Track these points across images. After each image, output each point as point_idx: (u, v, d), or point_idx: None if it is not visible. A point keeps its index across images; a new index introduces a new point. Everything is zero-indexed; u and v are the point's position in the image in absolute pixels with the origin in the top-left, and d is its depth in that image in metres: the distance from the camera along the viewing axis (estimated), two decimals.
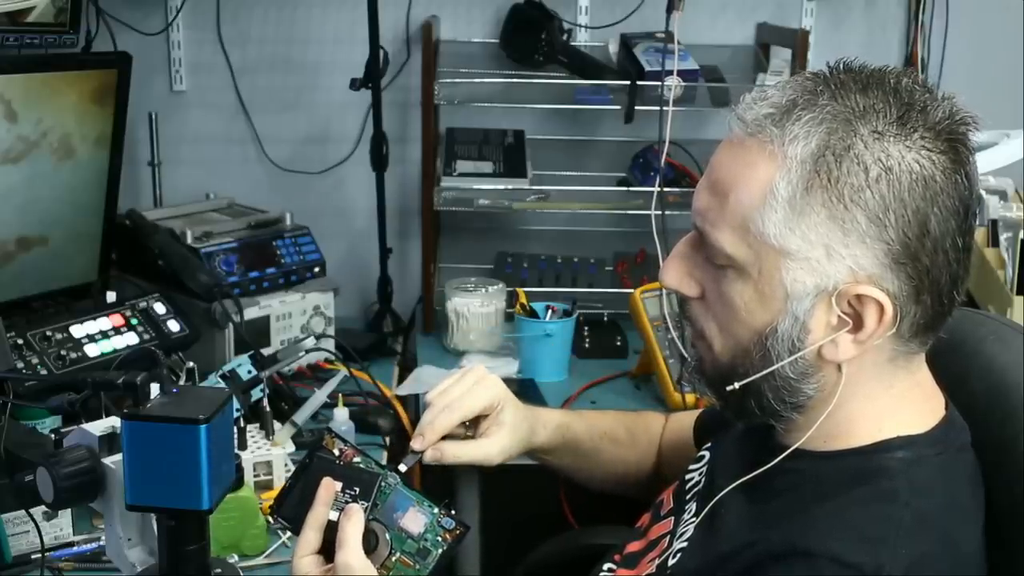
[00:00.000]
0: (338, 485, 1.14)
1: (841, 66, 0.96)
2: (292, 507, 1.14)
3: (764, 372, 0.98)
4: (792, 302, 0.95)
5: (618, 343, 2.33)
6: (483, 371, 1.32)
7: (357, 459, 1.18)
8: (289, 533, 1.56)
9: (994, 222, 2.14)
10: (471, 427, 1.31)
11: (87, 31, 2.23)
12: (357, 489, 1.14)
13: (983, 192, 2.23)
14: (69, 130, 1.96)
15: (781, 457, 1.02)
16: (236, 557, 1.49)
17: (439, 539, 1.14)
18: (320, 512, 1.11)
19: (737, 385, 1.00)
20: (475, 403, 1.28)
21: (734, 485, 1.05)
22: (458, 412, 1.26)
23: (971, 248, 0.97)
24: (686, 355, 1.99)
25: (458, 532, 1.14)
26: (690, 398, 1.97)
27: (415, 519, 1.14)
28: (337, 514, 1.11)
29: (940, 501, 0.97)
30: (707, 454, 1.21)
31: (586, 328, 2.34)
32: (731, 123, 0.98)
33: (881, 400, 1.00)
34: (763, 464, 1.03)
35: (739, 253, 0.96)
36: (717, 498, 1.06)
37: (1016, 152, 2.11)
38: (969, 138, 0.94)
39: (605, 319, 2.42)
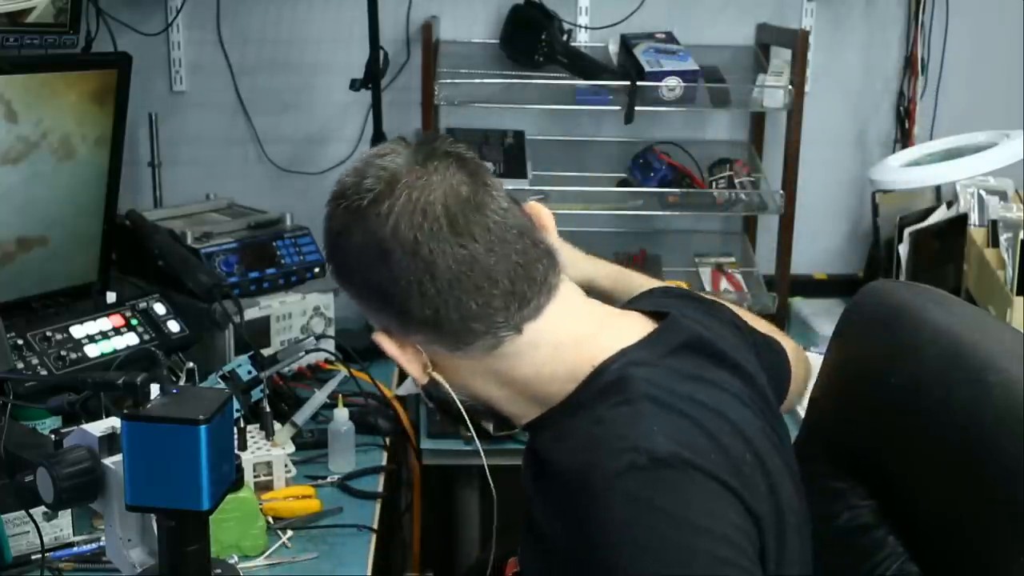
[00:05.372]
0: None
1: None
2: None
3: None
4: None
5: None
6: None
7: None
8: (290, 532, 1.56)
9: (994, 222, 2.14)
10: None
11: (87, 31, 2.23)
12: None
13: (983, 192, 2.23)
14: (69, 130, 1.96)
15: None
16: (236, 557, 1.49)
17: None
18: None
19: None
20: None
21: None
22: None
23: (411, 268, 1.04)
24: None
25: None
26: None
27: None
28: None
29: (663, 381, 1.02)
30: None
31: None
32: None
33: (554, 363, 1.07)
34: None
35: None
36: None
37: (1016, 152, 2.12)
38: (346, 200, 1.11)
39: None
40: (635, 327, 1.10)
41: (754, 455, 1.03)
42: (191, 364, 1.69)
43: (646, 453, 0.95)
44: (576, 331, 1.08)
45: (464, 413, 1.97)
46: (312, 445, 1.80)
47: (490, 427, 1.90)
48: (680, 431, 0.98)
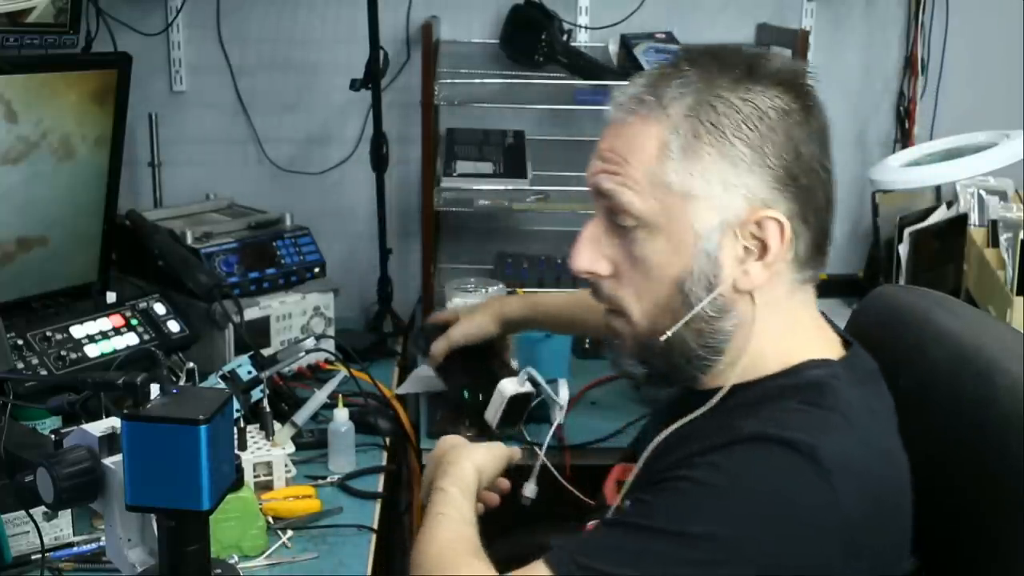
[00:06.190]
0: None
1: (690, 47, 1.14)
2: None
3: (688, 316, 1.06)
4: (702, 241, 1.05)
5: None
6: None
7: None
8: (290, 532, 1.56)
9: (994, 222, 2.14)
10: None
11: (87, 31, 2.23)
12: None
13: (983, 192, 2.23)
14: (69, 130, 1.96)
15: (719, 396, 1.07)
16: (236, 557, 1.49)
17: None
18: None
19: (670, 333, 1.07)
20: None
21: (669, 431, 1.10)
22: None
23: (832, 171, 1.10)
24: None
25: None
26: None
27: None
28: None
29: (858, 408, 1.03)
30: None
31: None
32: (610, 114, 1.10)
33: (787, 335, 1.09)
34: (693, 410, 1.10)
35: (647, 208, 1.06)
36: (653, 444, 1.12)
37: (1016, 152, 2.11)
38: (807, 79, 1.09)
39: None
40: (833, 343, 1.13)
41: (897, 510, 1.05)
42: (191, 364, 1.69)
43: (810, 448, 0.97)
44: (809, 320, 1.12)
45: (466, 399, 1.97)
46: (312, 445, 1.80)
47: (494, 425, 1.90)
48: (848, 452, 0.99)
